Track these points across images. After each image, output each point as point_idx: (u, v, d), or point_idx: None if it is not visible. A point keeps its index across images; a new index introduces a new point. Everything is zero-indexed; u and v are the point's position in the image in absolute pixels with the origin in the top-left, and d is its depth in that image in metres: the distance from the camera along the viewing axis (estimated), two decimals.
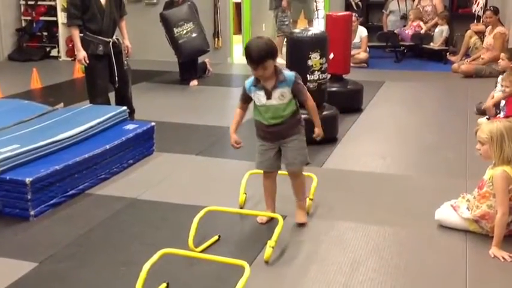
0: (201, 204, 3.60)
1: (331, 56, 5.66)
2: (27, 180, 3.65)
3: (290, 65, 5.30)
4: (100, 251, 3.30)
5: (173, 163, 4.81)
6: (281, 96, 3.28)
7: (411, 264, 3.11)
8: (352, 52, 7.78)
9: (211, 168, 4.71)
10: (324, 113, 5.30)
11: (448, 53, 9.43)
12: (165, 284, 2.70)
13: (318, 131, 3.52)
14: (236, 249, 3.26)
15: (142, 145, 4.82)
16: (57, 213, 3.80)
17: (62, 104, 5.51)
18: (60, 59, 10.31)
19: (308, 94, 3.42)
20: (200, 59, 8.39)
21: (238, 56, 10.20)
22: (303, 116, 3.52)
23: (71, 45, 9.81)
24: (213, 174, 4.57)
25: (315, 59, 5.08)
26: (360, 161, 4.79)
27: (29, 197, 3.66)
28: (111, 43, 5.41)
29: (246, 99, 3.43)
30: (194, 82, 8.11)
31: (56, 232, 3.54)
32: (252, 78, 3.33)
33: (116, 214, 3.79)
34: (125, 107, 5.01)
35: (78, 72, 8.91)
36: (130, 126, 4.81)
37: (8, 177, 3.68)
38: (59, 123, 4.59)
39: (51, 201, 3.84)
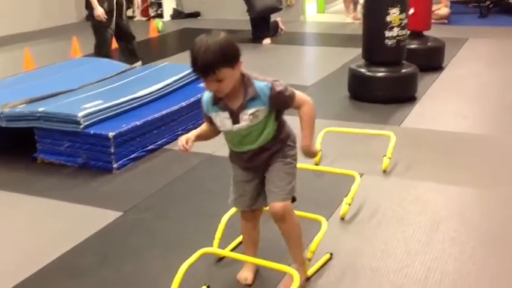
0: None
1: (411, 11, 5.45)
2: (110, 134, 3.79)
3: (367, 21, 5.16)
4: (179, 203, 3.40)
5: None
6: (252, 118, 2.21)
7: (495, 227, 3.00)
8: (433, 8, 7.45)
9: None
10: (403, 70, 5.15)
11: None
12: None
13: (304, 143, 2.35)
14: (311, 206, 3.23)
15: None
16: (137, 167, 3.93)
17: (139, 63, 5.64)
18: (135, 19, 10.52)
19: (300, 98, 2.29)
20: (272, 18, 8.32)
21: (311, 14, 10.03)
22: None
23: (145, 4, 9.97)
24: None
25: (394, 14, 4.91)
26: (440, 120, 4.64)
27: (112, 150, 3.80)
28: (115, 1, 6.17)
29: (209, 120, 2.33)
30: (267, 40, 8.07)
31: (137, 184, 3.67)
32: (209, 94, 2.26)
33: (193, 169, 3.89)
34: None
35: (154, 31, 9.07)
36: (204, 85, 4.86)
37: (92, 132, 3.84)
38: (137, 81, 4.71)
39: (132, 155, 3.98)
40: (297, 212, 2.94)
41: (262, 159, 2.32)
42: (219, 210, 2.90)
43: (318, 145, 3.85)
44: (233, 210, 2.80)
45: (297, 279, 2.25)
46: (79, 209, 3.34)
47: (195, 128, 4.43)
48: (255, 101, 2.19)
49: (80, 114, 3.82)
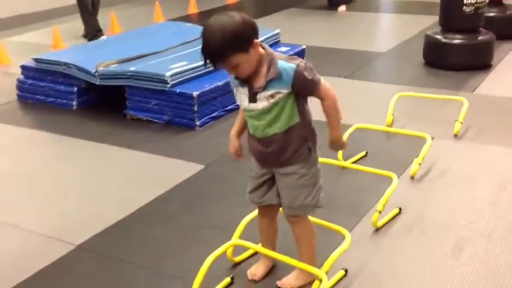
0: (349, 123, 3.76)
1: None
2: (194, 93, 4.07)
3: None
4: None
5: None
6: (270, 98, 2.03)
7: None
8: None
9: (359, 91, 4.83)
10: (479, 38, 5.13)
11: None
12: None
13: (333, 137, 2.23)
14: (382, 165, 3.39)
15: None
16: (218, 125, 4.20)
17: None
18: None
19: (325, 88, 2.11)
20: None
21: None
22: None
23: None
24: (361, 96, 4.70)
25: None
26: None
27: (196, 108, 4.09)
28: None
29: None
30: (342, 7, 8.10)
31: (218, 141, 3.94)
32: None
33: None
34: (278, 30, 5.26)
35: None
36: (283, 49, 5.05)
37: (178, 91, 4.14)
38: None
39: (213, 114, 4.25)
40: (368, 169, 3.13)
41: (274, 152, 2.13)
42: None
43: (390, 109, 3.97)
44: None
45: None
46: (165, 161, 3.65)
47: None
48: (276, 82, 2.00)
49: (168, 74, 4.12)
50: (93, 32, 6.70)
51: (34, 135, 4.19)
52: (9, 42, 6.69)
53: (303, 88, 2.04)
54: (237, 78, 2.05)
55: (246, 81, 2.03)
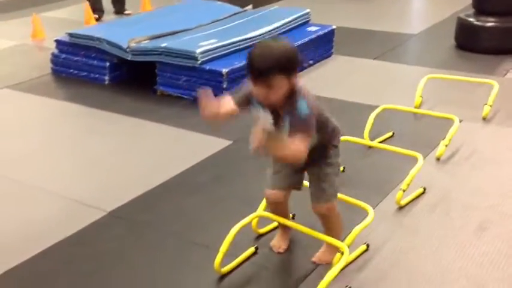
0: (377, 103, 3.79)
1: None
2: (224, 70, 4.13)
3: None
4: None
5: (351, 65, 5.01)
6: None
7: None
8: None
9: (388, 72, 4.83)
10: None
11: None
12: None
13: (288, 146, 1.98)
14: (409, 146, 3.40)
15: (322, 47, 5.08)
16: None
17: (250, 6, 5.91)
18: None
19: (304, 134, 1.98)
20: None
21: None
22: None
23: None
24: (390, 78, 4.70)
25: None
26: None
27: (225, 86, 4.15)
28: None
29: (242, 102, 2.14)
30: None
31: (245, 118, 3.98)
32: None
33: None
34: (308, 10, 5.26)
35: None
36: (312, 28, 5.06)
37: (207, 68, 4.20)
38: (249, 23, 4.99)
39: None
40: (394, 148, 3.15)
41: (301, 163, 2.09)
42: None
43: (418, 91, 3.96)
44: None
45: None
46: (195, 135, 3.73)
47: (301, 70, 4.78)
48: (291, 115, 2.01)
49: (198, 50, 4.18)
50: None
51: (67, 108, 4.31)
52: (44, 17, 6.82)
53: (294, 124, 2.00)
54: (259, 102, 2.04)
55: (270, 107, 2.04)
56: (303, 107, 1.99)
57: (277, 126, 2.05)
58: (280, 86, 1.96)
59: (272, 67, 1.92)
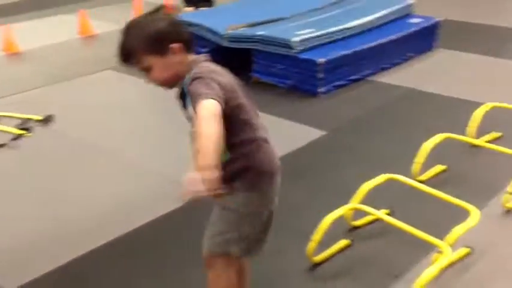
0: (480, 101, 3.55)
1: None
2: (320, 60, 4.04)
3: None
4: (378, 130, 3.58)
5: (455, 60, 4.77)
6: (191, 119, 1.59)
7: None
8: None
9: (496, 69, 4.54)
10: None
11: None
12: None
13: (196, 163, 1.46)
14: None
15: (424, 39, 4.86)
16: (341, 94, 4.16)
17: None
18: None
19: (200, 112, 1.47)
20: None
21: None
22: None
23: None
24: (498, 75, 4.42)
25: None
26: None
27: (320, 76, 4.07)
28: None
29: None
30: None
31: (340, 109, 3.91)
32: None
33: (394, 101, 4.00)
34: (412, 1, 5.06)
35: None
36: (415, 20, 4.85)
37: (303, 57, 4.13)
38: (349, 12, 4.87)
39: (337, 83, 4.21)
40: (501, 149, 2.93)
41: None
42: (420, 139, 2.99)
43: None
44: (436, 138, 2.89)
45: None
46: (289, 124, 3.68)
47: (401, 62, 4.62)
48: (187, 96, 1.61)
49: (294, 39, 4.12)
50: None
51: (169, 92, 4.38)
52: (146, 2, 7.01)
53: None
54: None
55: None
56: (187, 76, 1.62)
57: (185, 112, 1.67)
58: (157, 66, 1.66)
59: (136, 48, 1.65)
